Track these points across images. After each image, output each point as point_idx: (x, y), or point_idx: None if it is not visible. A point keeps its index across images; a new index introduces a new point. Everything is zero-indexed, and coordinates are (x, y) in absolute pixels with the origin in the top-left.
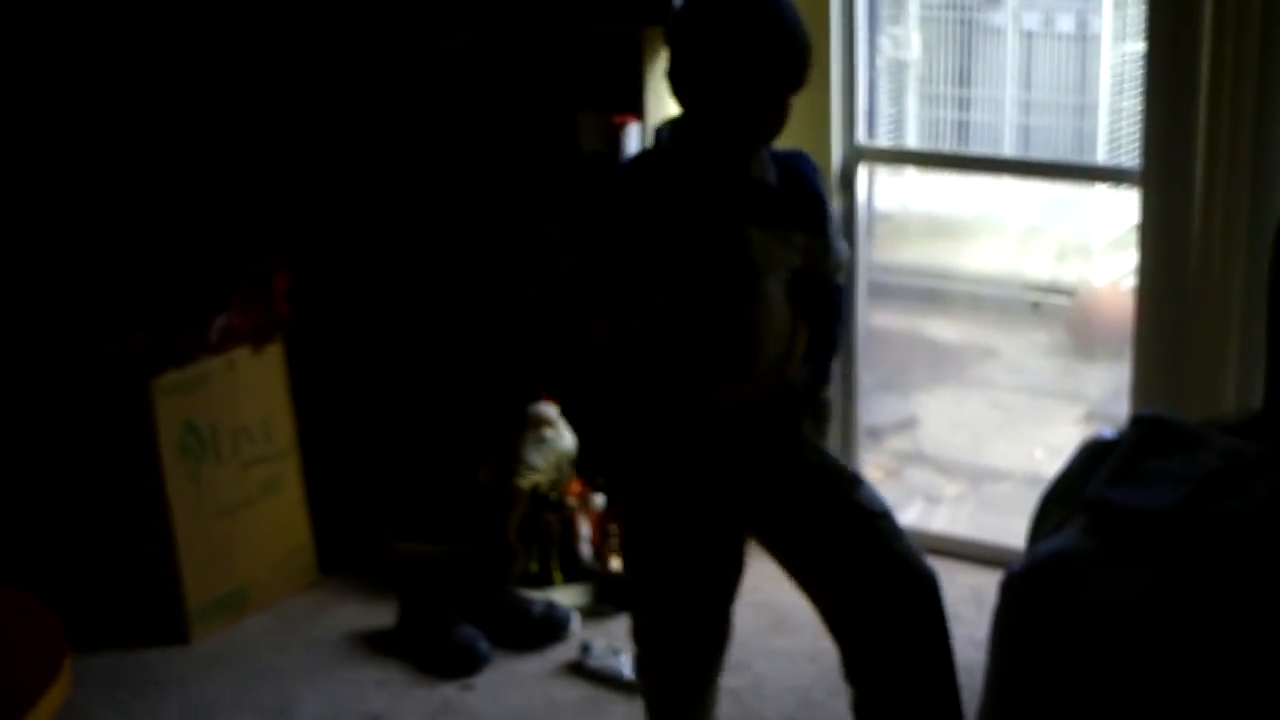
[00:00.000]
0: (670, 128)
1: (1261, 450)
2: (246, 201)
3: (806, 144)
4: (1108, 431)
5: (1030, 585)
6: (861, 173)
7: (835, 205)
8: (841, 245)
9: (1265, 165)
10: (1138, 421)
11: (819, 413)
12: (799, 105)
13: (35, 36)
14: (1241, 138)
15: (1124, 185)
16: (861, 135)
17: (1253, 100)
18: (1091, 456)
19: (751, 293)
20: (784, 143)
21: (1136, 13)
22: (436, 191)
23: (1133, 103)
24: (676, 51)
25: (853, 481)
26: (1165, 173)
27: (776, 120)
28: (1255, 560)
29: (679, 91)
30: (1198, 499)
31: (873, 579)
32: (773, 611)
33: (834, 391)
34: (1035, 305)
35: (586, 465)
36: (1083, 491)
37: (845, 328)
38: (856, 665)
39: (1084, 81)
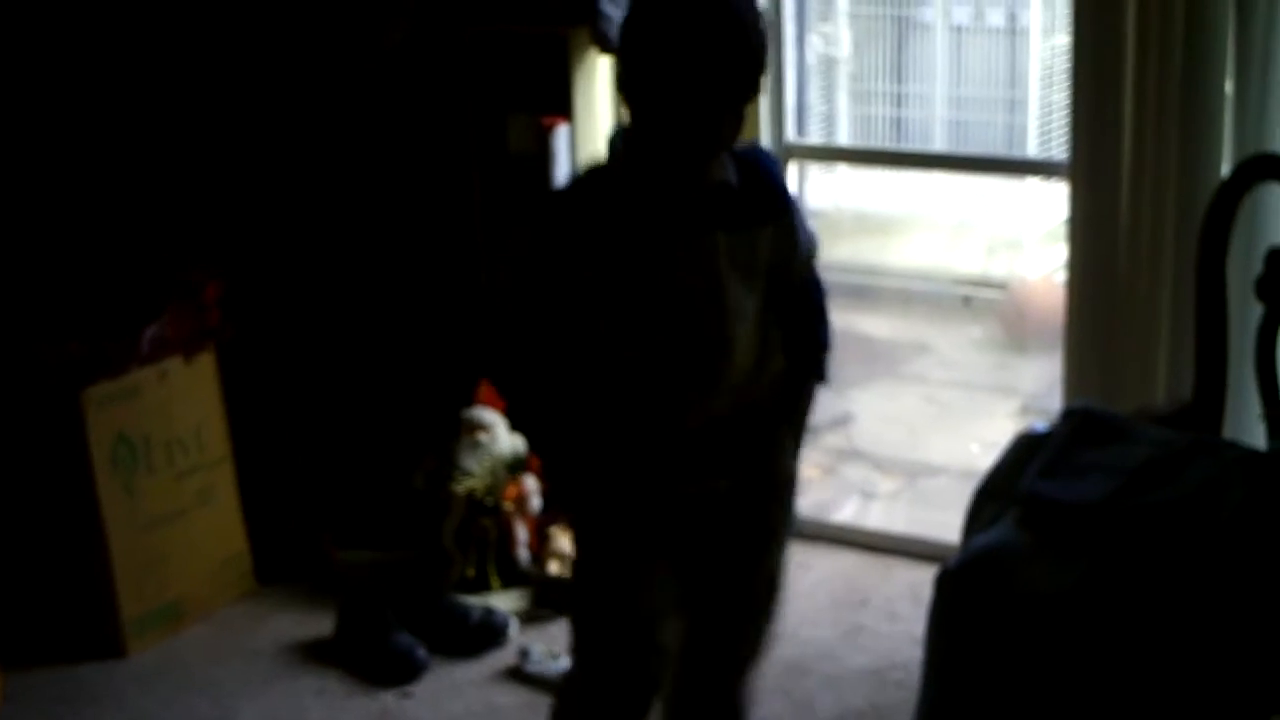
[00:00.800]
0: (622, 137)
1: (1192, 440)
2: (176, 209)
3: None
4: (1039, 425)
5: (964, 581)
6: (791, 170)
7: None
8: (809, 233)
9: (1191, 157)
10: (1069, 414)
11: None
12: None
13: None
14: (1167, 130)
15: (1054, 178)
16: (791, 133)
17: (1178, 91)
18: (1024, 450)
19: (720, 299)
20: None
21: (1065, 5)
22: (367, 196)
23: (1063, 96)
24: (628, 60)
25: (778, 543)
26: (1093, 165)
27: (733, 126)
28: (1185, 550)
29: (633, 102)
30: (1129, 490)
31: (739, 623)
32: None
33: None
34: (966, 300)
35: (548, 483)
36: (1016, 485)
37: (829, 326)
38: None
39: (1014, 76)
